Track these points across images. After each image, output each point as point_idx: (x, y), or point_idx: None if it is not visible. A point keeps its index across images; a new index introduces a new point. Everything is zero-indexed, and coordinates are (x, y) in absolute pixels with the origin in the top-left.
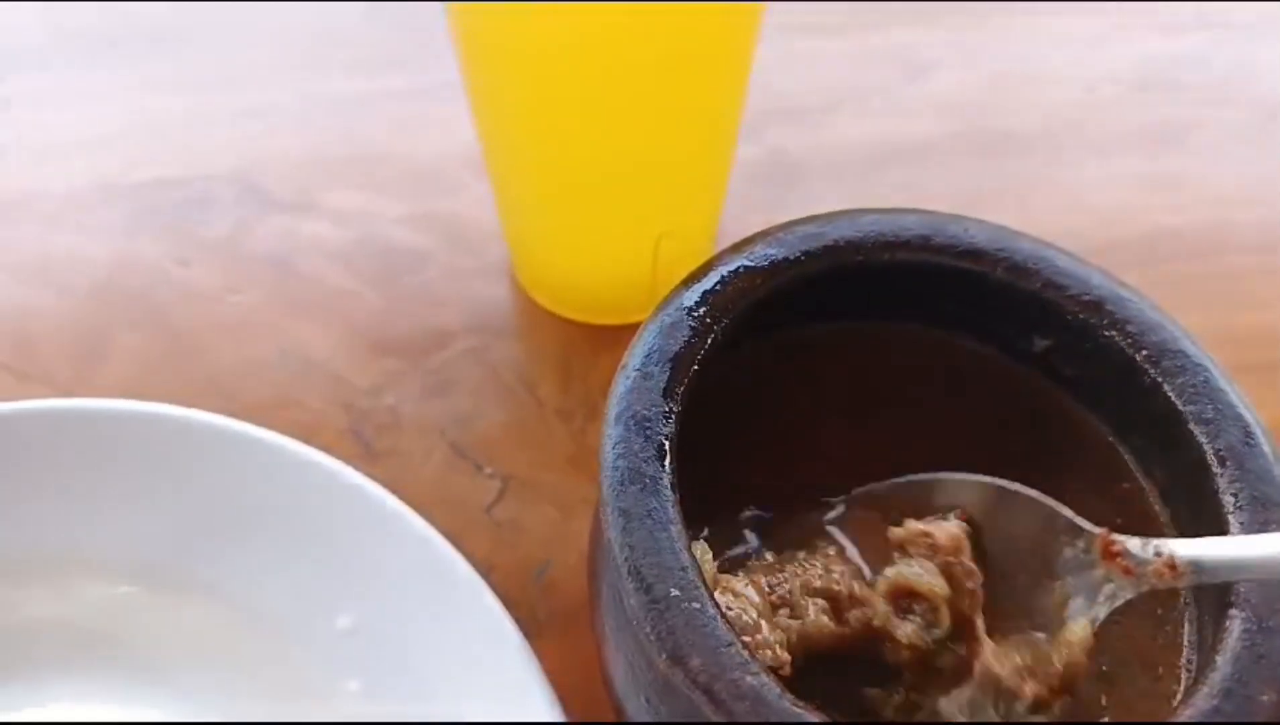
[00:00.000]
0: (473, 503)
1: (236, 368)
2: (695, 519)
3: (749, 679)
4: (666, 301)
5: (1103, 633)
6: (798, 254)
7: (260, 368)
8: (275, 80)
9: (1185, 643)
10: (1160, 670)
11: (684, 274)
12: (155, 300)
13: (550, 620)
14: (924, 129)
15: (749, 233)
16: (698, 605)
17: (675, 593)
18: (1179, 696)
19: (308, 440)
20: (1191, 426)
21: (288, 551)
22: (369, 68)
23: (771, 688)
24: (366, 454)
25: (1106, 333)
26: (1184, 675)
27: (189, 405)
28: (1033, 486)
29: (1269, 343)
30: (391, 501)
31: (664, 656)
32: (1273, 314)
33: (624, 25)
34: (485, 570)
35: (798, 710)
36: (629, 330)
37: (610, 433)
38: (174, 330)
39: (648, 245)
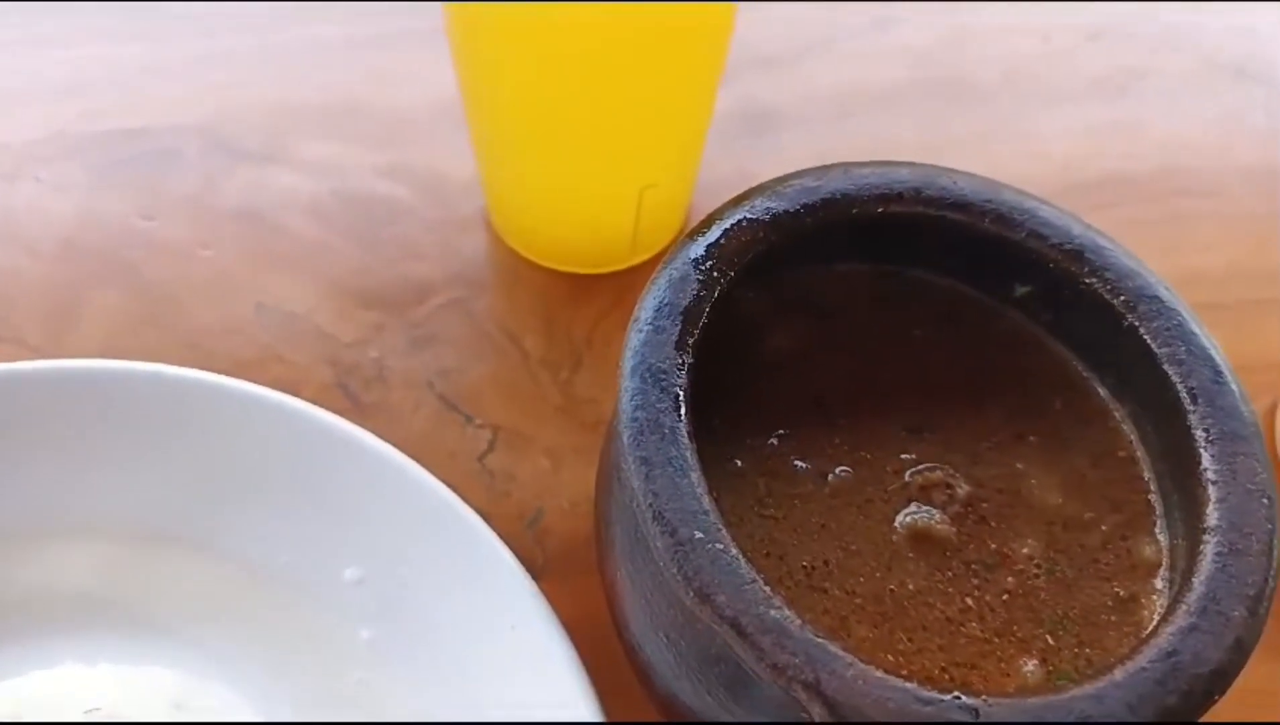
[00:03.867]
0: (464, 454)
1: (214, 324)
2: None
3: (772, 613)
4: (673, 255)
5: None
6: (796, 207)
7: (238, 324)
8: (240, 26)
9: (1163, 563)
10: (1133, 594)
11: (664, 224)
12: (124, 257)
13: (547, 565)
14: (890, 77)
15: (723, 179)
16: (721, 546)
17: (699, 535)
18: (1156, 616)
19: (294, 395)
20: (1165, 366)
21: (290, 506)
22: (339, 13)
23: (794, 619)
24: (354, 408)
25: (1087, 280)
26: (1157, 598)
27: (169, 363)
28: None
29: (1215, 284)
30: (389, 451)
31: (691, 595)
32: (1218, 256)
33: None
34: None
35: (819, 640)
36: (610, 279)
37: (627, 386)
38: (146, 287)
39: (631, 196)
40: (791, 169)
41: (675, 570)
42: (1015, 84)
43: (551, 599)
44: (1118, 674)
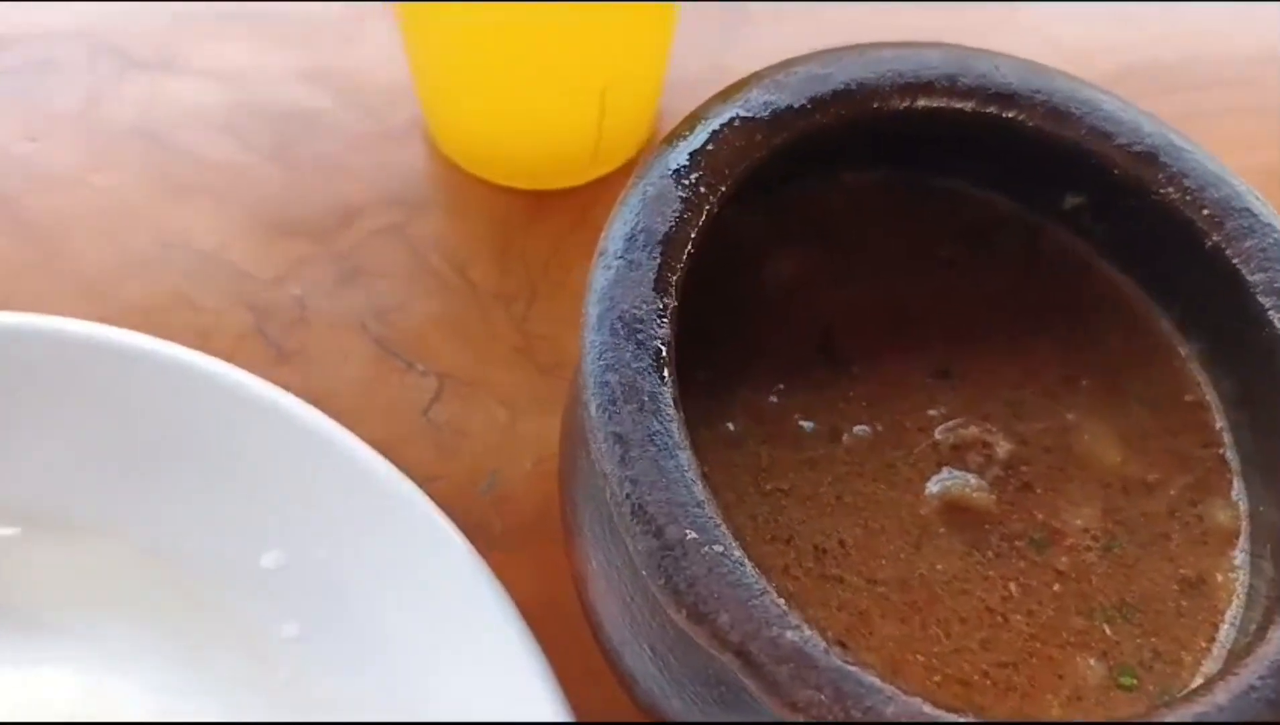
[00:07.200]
0: (405, 406)
1: (110, 264)
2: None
3: (789, 634)
4: (647, 166)
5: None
6: (803, 101)
7: (139, 263)
8: None
9: (1241, 533)
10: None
11: (630, 129)
12: (3, 187)
13: (506, 535)
14: None
15: (696, 77)
16: (720, 548)
17: (691, 535)
18: (1236, 598)
19: (205, 346)
20: (1260, 297)
21: (194, 481)
22: None
23: (817, 643)
24: (276, 357)
25: (1161, 190)
26: (1235, 575)
27: (58, 312)
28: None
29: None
30: (310, 413)
31: (684, 613)
32: (1257, 155)
33: None
34: (426, 481)
35: (850, 668)
36: (569, 196)
37: (593, 340)
38: (30, 222)
39: (591, 95)
40: (770, 63)
41: (663, 581)
42: None
43: (511, 576)
44: (1219, 694)
